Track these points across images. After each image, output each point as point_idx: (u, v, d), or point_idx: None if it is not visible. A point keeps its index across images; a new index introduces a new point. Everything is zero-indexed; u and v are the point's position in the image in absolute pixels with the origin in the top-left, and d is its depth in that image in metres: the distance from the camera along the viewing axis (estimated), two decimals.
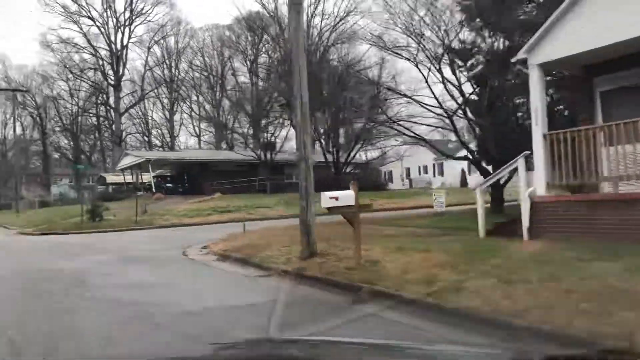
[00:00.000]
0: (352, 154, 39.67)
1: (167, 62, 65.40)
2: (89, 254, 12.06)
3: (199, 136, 73.29)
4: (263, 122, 65.50)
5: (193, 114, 71.69)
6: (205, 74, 68.17)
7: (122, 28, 55.41)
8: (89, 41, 54.41)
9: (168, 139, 71.55)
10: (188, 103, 70.77)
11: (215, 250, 11.48)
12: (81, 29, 53.84)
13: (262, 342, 2.92)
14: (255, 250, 10.20)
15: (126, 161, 42.55)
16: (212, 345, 2.65)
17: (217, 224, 22.59)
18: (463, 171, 48.99)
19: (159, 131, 73.77)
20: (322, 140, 40.51)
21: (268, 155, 38.99)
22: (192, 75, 67.73)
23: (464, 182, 48.04)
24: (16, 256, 11.96)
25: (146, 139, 70.50)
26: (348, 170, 40.54)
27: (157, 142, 70.45)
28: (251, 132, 68.56)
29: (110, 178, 46.05)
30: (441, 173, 51.07)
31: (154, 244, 14.47)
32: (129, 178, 44.61)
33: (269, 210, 26.68)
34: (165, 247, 13.38)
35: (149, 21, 57.27)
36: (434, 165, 51.94)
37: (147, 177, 45.39)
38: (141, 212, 25.23)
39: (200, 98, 69.79)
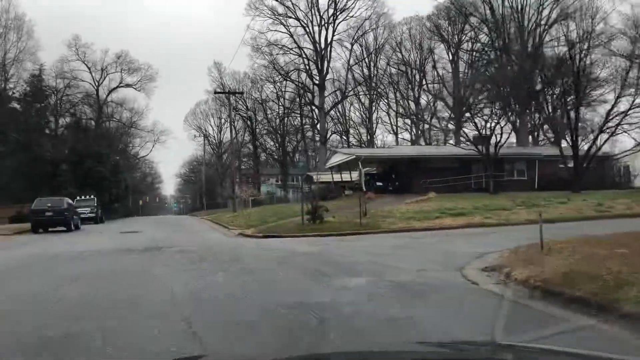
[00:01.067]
0: (597, 144, 33.32)
1: (367, 60, 64.22)
2: (340, 275, 9.52)
3: (396, 134, 71.20)
4: (467, 114, 61.58)
5: (390, 111, 69.84)
6: (404, 68, 65.80)
7: (325, 25, 55.25)
8: (295, 41, 55.17)
9: (365, 138, 70.76)
10: (386, 100, 69.05)
11: (518, 277, 8.09)
12: (288, 30, 54.79)
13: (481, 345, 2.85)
14: (601, 285, 6.60)
15: (335, 159, 41.53)
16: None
17: (456, 230, 19.33)
18: None
19: (357, 130, 73.43)
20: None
21: (491, 149, 34.44)
22: (390, 71, 65.79)
23: None
24: (260, 276, 9.88)
25: (344, 138, 70.47)
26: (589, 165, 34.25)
27: (354, 141, 69.99)
28: (452, 126, 64.98)
29: (318, 177, 45.50)
30: None
31: (407, 258, 11.63)
32: (336, 177, 43.60)
33: (509, 214, 22.61)
34: (428, 265, 10.43)
35: (352, 16, 56.30)
36: None
37: (354, 176, 44.09)
38: (364, 213, 23.00)
39: (398, 94, 67.54)
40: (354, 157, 37.88)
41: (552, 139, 49.24)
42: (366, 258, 11.88)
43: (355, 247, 14.68)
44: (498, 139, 35.95)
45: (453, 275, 9.20)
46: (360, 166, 37.46)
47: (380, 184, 39.67)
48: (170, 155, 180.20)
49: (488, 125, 37.42)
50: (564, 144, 35.73)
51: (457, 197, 29.85)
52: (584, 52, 31.57)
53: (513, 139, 46.74)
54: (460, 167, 38.33)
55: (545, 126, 49.21)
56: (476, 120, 46.08)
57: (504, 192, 32.34)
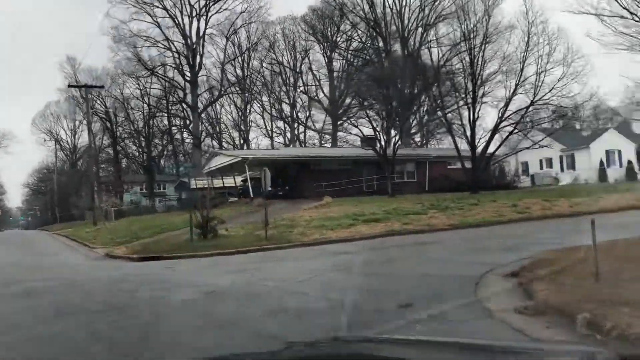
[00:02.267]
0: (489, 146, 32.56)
1: (240, 59, 60.28)
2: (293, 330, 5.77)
3: (271, 137, 68.14)
4: (345, 117, 60.21)
5: (265, 113, 66.60)
6: (278, 69, 62.92)
7: (197, 17, 50.31)
8: (163, 33, 49.53)
9: (239, 141, 66.65)
10: (260, 102, 65.67)
11: (572, 309, 4.97)
12: (155, 20, 49.02)
13: (328, 341, 2.87)
14: None
15: (215, 163, 37.05)
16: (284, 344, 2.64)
17: (385, 239, 16.26)
18: (602, 163, 41.11)
19: (230, 134, 69.07)
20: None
21: (388, 151, 32.28)
22: (264, 71, 62.56)
23: (602, 177, 40.19)
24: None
25: (217, 141, 65.77)
26: (486, 165, 33.44)
27: (227, 146, 65.60)
28: (329, 129, 63.28)
29: (195, 183, 40.59)
30: (572, 166, 43.22)
31: (386, 279, 8.15)
32: (217, 183, 39.10)
33: (427, 218, 20.14)
34: (424, 289, 7.08)
35: (225, 9, 51.98)
36: (561, 157, 44.15)
37: (231, 181, 39.95)
38: (262, 223, 19.23)
39: (273, 96, 64.49)
40: (239, 159, 33.84)
41: (439, 139, 49.18)
42: (306, 287, 8.15)
43: (280, 270, 10.89)
44: (386, 140, 34.04)
45: (470, 302, 5.89)
46: (247, 169, 33.58)
47: (270, 188, 35.97)
48: (14, 163, 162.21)
49: (375, 126, 35.48)
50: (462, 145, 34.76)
51: (356, 201, 27.22)
52: (476, 48, 30.58)
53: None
54: (351, 170, 36.00)
55: (434, 127, 48.78)
56: (360, 122, 44.71)
57: (400, 195, 30.37)
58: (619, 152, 42.23)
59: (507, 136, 32.52)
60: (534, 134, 33.91)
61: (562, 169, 44.31)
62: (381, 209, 22.88)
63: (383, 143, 32.83)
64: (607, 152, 41.71)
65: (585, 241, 11.69)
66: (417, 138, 53.09)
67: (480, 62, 30.60)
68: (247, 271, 11.10)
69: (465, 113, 32.52)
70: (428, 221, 19.50)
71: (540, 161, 45.20)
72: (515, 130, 31.84)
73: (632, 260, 7.85)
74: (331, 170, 34.84)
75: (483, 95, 31.15)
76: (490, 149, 32.34)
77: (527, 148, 32.83)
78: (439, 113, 33.69)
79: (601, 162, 41.14)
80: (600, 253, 8.65)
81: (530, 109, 30.07)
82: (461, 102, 32.15)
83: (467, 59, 31.37)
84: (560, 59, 28.58)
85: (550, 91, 28.84)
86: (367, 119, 40.94)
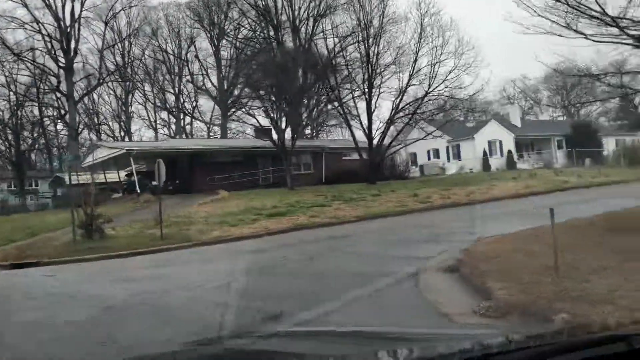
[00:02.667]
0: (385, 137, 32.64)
1: (120, 45, 56.23)
2: None
3: (155, 129, 64.75)
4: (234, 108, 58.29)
5: (148, 104, 63.01)
6: (162, 57, 59.63)
7: None
8: (32, 14, 44.58)
9: (119, 133, 62.35)
10: (142, 92, 62.00)
11: None
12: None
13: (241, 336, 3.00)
14: None
15: (97, 156, 33.85)
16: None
17: (294, 234, 15.35)
18: (485, 153, 43.20)
19: (110, 125, 64.47)
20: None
21: (288, 142, 31.25)
22: (147, 59, 59.06)
23: (486, 166, 42.27)
24: None
25: (94, 135, 61.08)
26: (383, 156, 33.55)
27: (105, 137, 61.18)
28: (219, 120, 61.02)
29: (72, 179, 36.90)
30: (458, 156, 45.01)
31: (318, 281, 7.14)
32: (98, 177, 35.80)
33: (333, 210, 19.50)
34: (363, 291, 6.23)
35: None
36: (447, 147, 45.82)
37: (114, 176, 36.94)
38: (155, 221, 17.53)
39: (157, 86, 61.13)
40: (124, 151, 31.16)
41: (329, 132, 49.09)
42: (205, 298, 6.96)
43: (203, 276, 9.53)
44: (284, 130, 33.07)
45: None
46: (132, 163, 31.02)
47: (157, 183, 33.60)
48: None
49: (273, 116, 34.32)
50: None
51: (253, 195, 26.05)
52: (371, 39, 30.46)
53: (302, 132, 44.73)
54: (246, 162, 34.63)
55: (328, 118, 48.50)
56: (254, 112, 43.11)
57: (299, 187, 29.60)
58: (500, 142, 44.60)
59: (403, 127, 32.90)
60: (424, 125, 34.61)
61: (448, 159, 46.00)
62: (283, 202, 21.94)
63: (280, 134, 31.76)
64: (490, 143, 43.89)
65: (501, 230, 11.63)
66: (308, 130, 52.74)
67: (375, 53, 30.55)
68: (149, 277, 9.60)
69: (362, 104, 32.40)
70: (334, 213, 18.85)
71: (428, 152, 46.61)
72: (411, 122, 32.21)
73: (575, 249, 7.53)
74: (225, 163, 33.24)
75: (380, 86, 31.18)
76: (387, 141, 32.48)
77: (421, 139, 33.44)
78: (335, 104, 33.22)
79: (485, 152, 43.20)
80: (535, 243, 8.30)
81: (426, 99, 30.53)
82: (357, 93, 31.96)
83: (363, 49, 31.18)
84: (453, 51, 29.23)
85: (442, 82, 29.45)
86: (262, 108, 39.67)
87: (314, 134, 51.04)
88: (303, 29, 46.60)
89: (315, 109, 46.75)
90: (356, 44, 31.35)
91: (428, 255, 9.34)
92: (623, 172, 31.92)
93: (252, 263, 10.02)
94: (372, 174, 30.28)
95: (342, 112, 32.35)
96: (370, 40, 30.59)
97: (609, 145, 48.05)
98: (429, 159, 47.32)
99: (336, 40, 37.74)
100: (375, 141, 31.84)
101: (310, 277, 8.19)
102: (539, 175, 29.76)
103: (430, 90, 29.46)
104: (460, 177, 33.12)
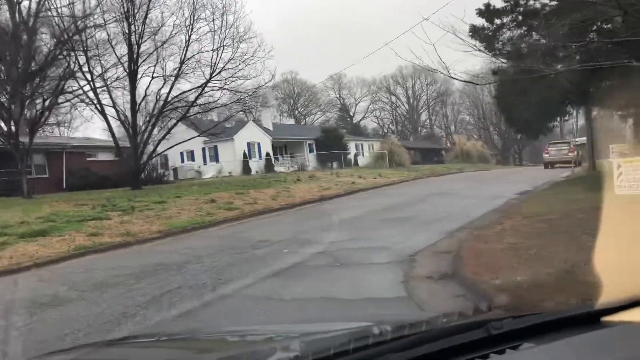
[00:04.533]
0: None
1: None
2: None
3: None
4: None
5: None
6: None
7: None
8: None
9: None
10: None
11: None
12: None
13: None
14: None
15: None
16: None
17: (72, 265, 9.90)
18: (245, 155, 40.74)
19: None
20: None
21: (24, 138, 23.28)
22: None
23: (246, 169, 39.77)
24: None
25: None
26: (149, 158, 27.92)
27: None
28: None
29: None
30: (216, 159, 41.55)
31: None
32: None
33: (116, 224, 14.18)
34: None
35: None
36: (203, 149, 42.01)
37: None
38: None
39: None
40: None
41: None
42: None
43: None
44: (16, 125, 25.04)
45: None
46: None
47: None
48: None
49: None
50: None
51: None
52: (135, 15, 24.84)
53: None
54: None
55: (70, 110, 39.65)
56: None
57: (40, 196, 22.43)
58: (259, 144, 42.74)
59: (175, 124, 27.81)
60: (189, 125, 30.26)
61: (205, 162, 42.30)
62: (31, 215, 15.45)
63: (11, 127, 23.67)
64: (249, 145, 41.63)
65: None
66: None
67: (139, 32, 25.05)
68: None
69: (121, 94, 26.49)
70: (125, 229, 13.56)
71: (182, 154, 42.08)
72: (190, 116, 27.38)
73: None
74: None
75: (142, 75, 25.72)
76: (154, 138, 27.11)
77: (195, 137, 28.98)
78: (90, 94, 26.17)
79: (245, 154, 40.75)
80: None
81: (206, 91, 26.15)
82: (115, 82, 25.89)
83: (126, 27, 25.33)
84: (236, 36, 25.60)
85: (219, 73, 25.53)
86: None
87: (52, 130, 41.71)
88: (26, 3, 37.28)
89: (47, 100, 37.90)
90: (119, 23, 25.17)
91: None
92: (393, 171, 32.96)
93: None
94: (137, 178, 24.80)
95: (98, 104, 25.69)
96: (134, 17, 24.98)
97: (352, 148, 50.50)
98: (182, 161, 42.83)
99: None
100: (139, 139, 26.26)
101: None
102: (319, 177, 28.34)
103: (210, 79, 25.30)
104: (230, 181, 29.59)
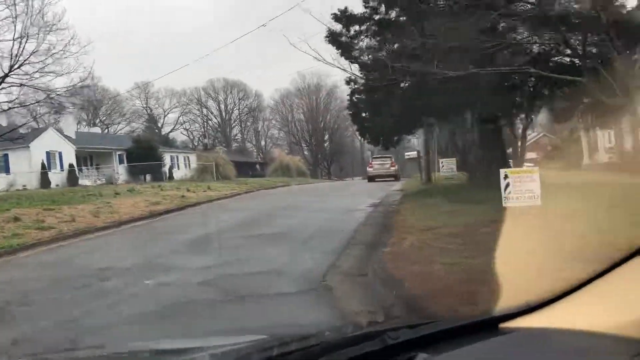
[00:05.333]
0: None
1: None
2: None
3: None
4: None
5: None
6: None
7: None
8: None
9: None
10: None
11: None
12: None
13: None
14: None
15: None
16: None
17: None
18: (44, 166, 35.24)
19: None
20: None
21: None
22: None
23: (45, 182, 34.31)
24: None
25: None
26: None
27: None
28: None
29: None
30: (7, 169, 35.19)
31: None
32: None
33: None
34: None
35: None
36: None
37: None
38: None
39: None
40: None
41: None
42: None
43: None
44: None
45: None
46: None
47: None
48: None
49: None
50: None
51: None
52: None
53: None
54: None
55: None
56: None
57: None
58: (60, 154, 37.37)
59: None
60: None
61: None
62: None
63: None
64: (48, 154, 36.14)
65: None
66: None
67: None
68: None
69: None
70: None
71: None
72: None
73: None
74: None
75: None
76: None
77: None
78: None
79: (43, 165, 35.26)
80: None
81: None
82: None
83: None
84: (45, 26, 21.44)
85: (19, 67, 21.19)
86: None
87: None
88: None
89: None
90: None
91: None
92: (222, 184, 30.97)
93: None
94: None
95: None
96: None
97: (167, 160, 47.21)
98: None
99: None
100: None
101: None
102: (141, 191, 25.24)
103: (9, 73, 20.75)
104: (32, 195, 24.83)
